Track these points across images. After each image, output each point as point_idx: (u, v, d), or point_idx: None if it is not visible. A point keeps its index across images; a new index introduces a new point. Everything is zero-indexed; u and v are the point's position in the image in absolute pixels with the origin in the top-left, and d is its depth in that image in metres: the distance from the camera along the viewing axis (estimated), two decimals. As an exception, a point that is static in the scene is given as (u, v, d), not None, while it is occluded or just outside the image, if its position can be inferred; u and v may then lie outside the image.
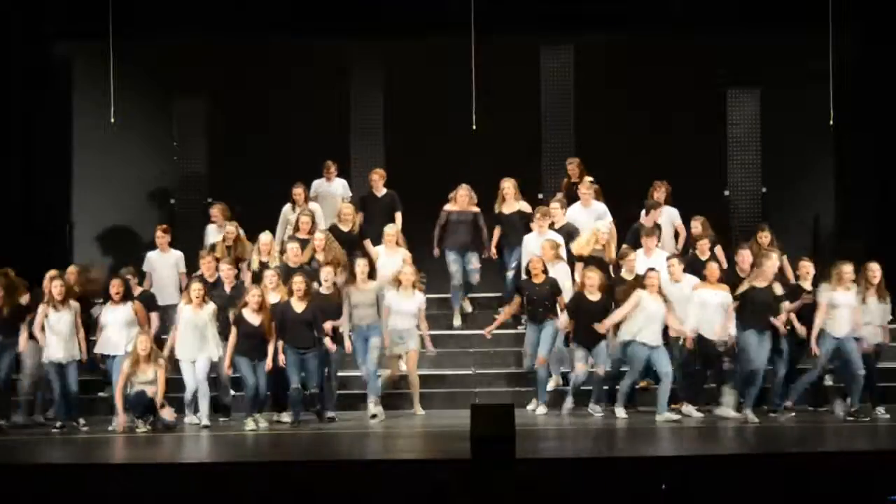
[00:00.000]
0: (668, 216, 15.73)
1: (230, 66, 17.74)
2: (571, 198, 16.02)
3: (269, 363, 13.57)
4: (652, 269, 13.96)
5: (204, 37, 17.32)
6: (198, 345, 13.70)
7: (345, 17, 17.16)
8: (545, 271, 14.28)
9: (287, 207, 15.84)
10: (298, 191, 15.78)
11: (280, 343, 13.63)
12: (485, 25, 16.07)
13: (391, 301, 14.09)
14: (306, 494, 10.50)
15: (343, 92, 17.67)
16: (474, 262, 15.57)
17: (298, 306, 13.71)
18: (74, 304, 13.75)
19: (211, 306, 13.82)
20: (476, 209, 15.61)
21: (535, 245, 14.85)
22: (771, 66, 17.57)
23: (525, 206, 15.70)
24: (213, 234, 15.72)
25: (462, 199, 15.56)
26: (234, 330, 13.63)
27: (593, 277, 13.98)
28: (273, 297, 14.03)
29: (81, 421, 13.75)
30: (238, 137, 17.88)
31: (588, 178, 16.13)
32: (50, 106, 17.54)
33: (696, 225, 15.21)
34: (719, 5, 17.05)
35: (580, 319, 13.98)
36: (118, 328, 13.76)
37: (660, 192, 15.81)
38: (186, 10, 16.89)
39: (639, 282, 13.92)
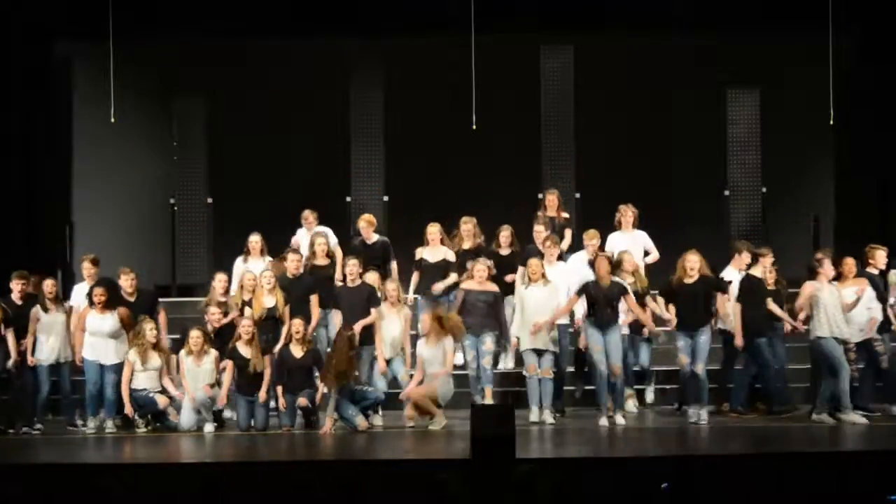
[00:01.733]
0: (640, 241, 15.12)
1: (230, 66, 17.75)
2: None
3: (262, 396, 13.50)
4: (822, 259, 13.60)
5: (204, 37, 17.33)
6: (199, 386, 13.62)
7: (345, 17, 17.17)
8: (611, 273, 13.63)
9: (239, 260, 14.92)
10: (255, 239, 14.87)
11: (279, 388, 13.52)
12: (485, 25, 16.08)
13: (421, 350, 13.64)
14: (306, 494, 10.50)
15: (343, 92, 17.66)
16: (488, 342, 13.83)
17: (297, 352, 13.60)
18: (68, 304, 13.73)
19: (212, 354, 13.65)
20: (495, 288, 14.10)
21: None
22: (771, 66, 17.57)
23: (450, 255, 14.69)
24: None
25: (480, 276, 14.01)
26: (229, 365, 13.59)
27: (693, 260, 13.57)
28: (269, 301, 14.01)
29: (80, 422, 13.73)
30: (238, 137, 17.89)
31: (564, 214, 15.56)
32: (50, 106, 17.55)
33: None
34: (719, 5, 17.06)
35: (681, 304, 13.53)
36: (103, 338, 13.66)
37: (626, 217, 15.13)
38: (186, 10, 16.89)
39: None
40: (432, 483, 10.31)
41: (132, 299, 14.12)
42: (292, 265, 14.30)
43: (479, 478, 10.35)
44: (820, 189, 17.94)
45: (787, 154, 17.75)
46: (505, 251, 14.91)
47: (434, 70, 17.63)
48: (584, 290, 13.55)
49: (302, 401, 13.39)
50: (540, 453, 11.91)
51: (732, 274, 14.20)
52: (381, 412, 13.74)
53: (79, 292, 14.21)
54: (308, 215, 15.61)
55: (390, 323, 13.88)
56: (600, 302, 13.45)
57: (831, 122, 16.14)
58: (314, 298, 14.15)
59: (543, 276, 13.82)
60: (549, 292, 13.75)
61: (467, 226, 14.97)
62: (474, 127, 16.03)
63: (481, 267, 14.11)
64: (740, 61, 17.54)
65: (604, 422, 13.49)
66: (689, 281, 13.59)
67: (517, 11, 17.02)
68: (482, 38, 16.05)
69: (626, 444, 12.74)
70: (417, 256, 14.76)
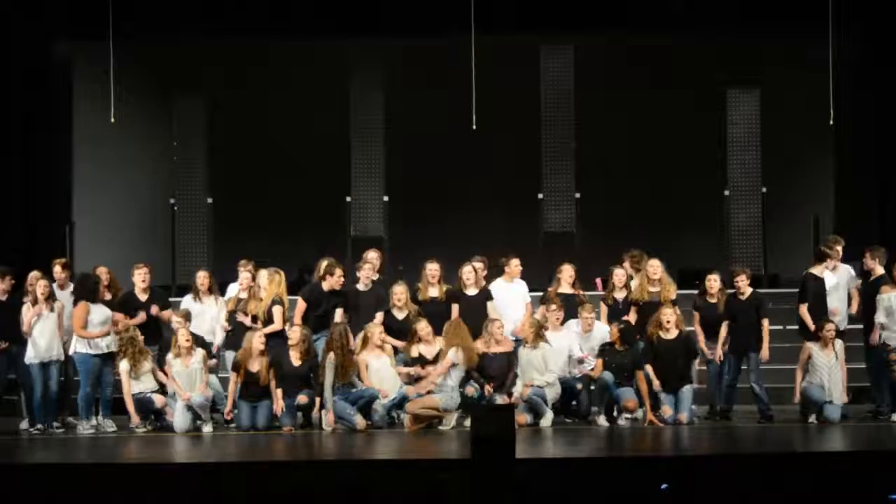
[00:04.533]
0: (521, 292, 14.36)
1: (230, 66, 17.76)
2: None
3: (278, 409, 13.45)
4: (830, 321, 13.59)
5: (204, 37, 17.34)
6: (190, 390, 13.55)
7: (345, 17, 17.16)
8: (625, 340, 13.57)
9: (188, 298, 14.39)
10: (203, 274, 14.34)
11: (279, 392, 13.48)
12: (485, 25, 16.07)
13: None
14: (306, 494, 10.49)
15: (343, 92, 17.66)
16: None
17: (295, 360, 13.55)
18: (59, 303, 13.69)
19: (199, 353, 13.61)
20: (509, 346, 13.71)
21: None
22: (771, 66, 17.57)
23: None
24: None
25: (498, 334, 13.67)
26: (233, 377, 13.59)
27: (668, 314, 13.54)
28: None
29: (55, 424, 13.66)
30: (238, 137, 17.89)
31: (582, 292, 14.46)
32: (50, 106, 17.54)
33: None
34: (719, 5, 17.06)
35: (661, 362, 13.58)
36: (106, 326, 13.68)
37: (628, 261, 14.51)
38: (186, 10, 16.89)
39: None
40: (432, 483, 10.31)
41: (145, 297, 14.14)
42: (338, 281, 13.92)
43: (479, 478, 10.34)
44: (820, 189, 17.94)
45: (787, 154, 17.74)
46: (400, 314, 14.08)
47: (434, 70, 17.63)
48: (601, 353, 13.67)
49: (302, 398, 13.40)
50: (540, 453, 11.90)
51: (828, 277, 14.07)
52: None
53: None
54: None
55: (378, 367, 13.64)
56: (613, 367, 13.56)
57: (831, 122, 16.12)
58: (339, 312, 13.97)
59: (538, 337, 13.62)
60: (541, 353, 13.56)
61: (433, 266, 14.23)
62: (474, 127, 16.01)
63: (498, 327, 13.67)
64: (740, 61, 17.54)
65: (604, 421, 13.53)
66: (667, 337, 13.64)
67: (517, 11, 17.01)
68: (482, 38, 16.03)
69: (626, 444, 12.73)
70: (414, 353, 13.80)
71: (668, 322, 13.56)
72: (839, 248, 14.19)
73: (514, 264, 14.35)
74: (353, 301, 14.05)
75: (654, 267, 14.12)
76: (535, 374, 13.51)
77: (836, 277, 14.09)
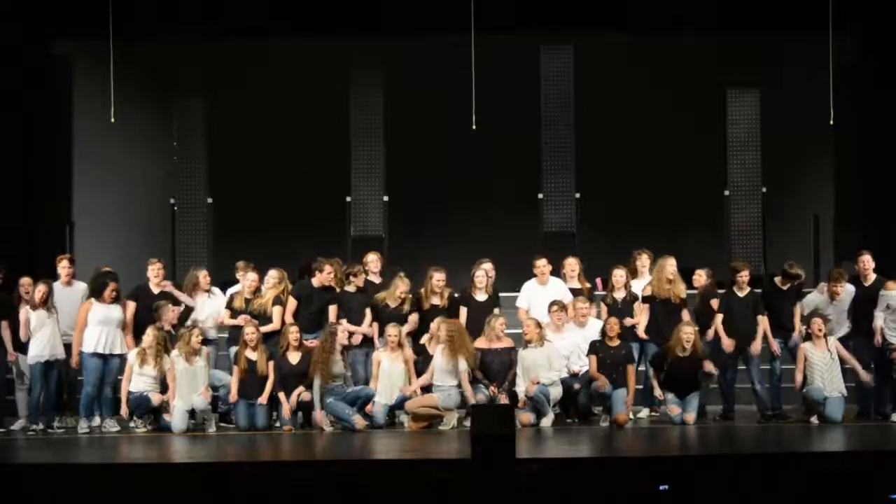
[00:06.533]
0: (558, 292, 14.28)
1: (230, 66, 17.75)
2: None
3: (264, 399, 13.51)
4: (816, 317, 13.66)
5: (203, 37, 17.33)
6: (193, 391, 13.54)
7: (345, 17, 17.16)
8: (621, 335, 13.66)
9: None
10: (205, 273, 14.38)
11: (282, 394, 13.52)
12: (485, 25, 16.07)
13: (436, 358, 13.57)
14: (306, 494, 10.50)
15: (343, 92, 17.66)
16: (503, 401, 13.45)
17: (293, 357, 13.57)
18: (56, 307, 13.66)
19: (205, 350, 13.63)
20: (509, 343, 13.76)
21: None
22: (771, 66, 17.56)
23: (409, 354, 13.85)
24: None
25: (499, 330, 13.72)
26: (236, 369, 13.62)
27: (689, 331, 13.47)
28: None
29: (56, 424, 13.68)
30: (238, 137, 17.89)
31: (587, 285, 14.55)
32: (50, 106, 17.53)
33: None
34: (719, 5, 17.05)
35: (672, 373, 13.55)
36: (112, 327, 13.69)
37: (642, 261, 14.48)
38: (186, 10, 16.88)
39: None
40: (432, 483, 10.32)
41: (157, 290, 14.13)
42: (327, 277, 14.02)
43: (479, 478, 10.35)
44: (820, 189, 17.93)
45: (787, 154, 17.74)
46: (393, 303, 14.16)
47: (434, 70, 17.63)
48: (593, 350, 13.66)
49: (306, 395, 13.41)
50: (540, 453, 11.90)
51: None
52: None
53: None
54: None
55: (390, 368, 13.67)
56: (607, 364, 13.57)
57: (831, 122, 16.12)
58: (332, 309, 14.02)
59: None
60: (546, 352, 13.59)
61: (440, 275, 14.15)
62: (474, 127, 16.01)
63: (499, 325, 13.71)
64: (740, 61, 17.53)
65: (604, 422, 13.52)
66: (681, 354, 13.61)
67: (517, 11, 17.00)
68: (482, 38, 16.03)
69: (626, 444, 12.74)
70: (421, 339, 14.04)
71: (688, 341, 13.47)
72: (839, 287, 14.04)
73: (541, 264, 14.27)
74: (347, 304, 14.04)
75: (673, 265, 14.10)
76: (540, 372, 13.52)
77: (840, 298, 14.08)
